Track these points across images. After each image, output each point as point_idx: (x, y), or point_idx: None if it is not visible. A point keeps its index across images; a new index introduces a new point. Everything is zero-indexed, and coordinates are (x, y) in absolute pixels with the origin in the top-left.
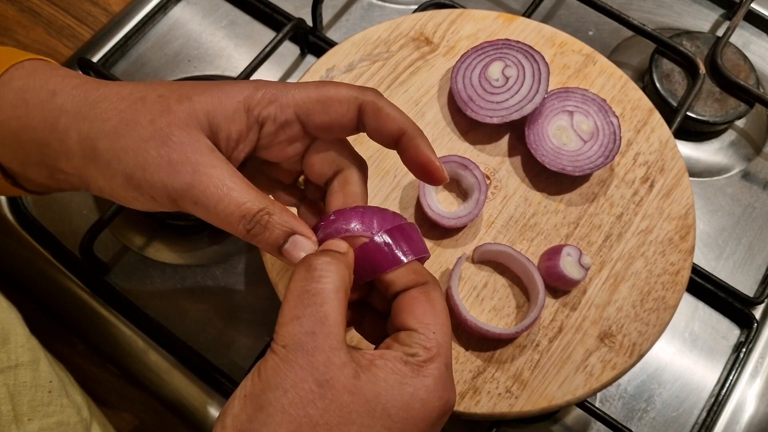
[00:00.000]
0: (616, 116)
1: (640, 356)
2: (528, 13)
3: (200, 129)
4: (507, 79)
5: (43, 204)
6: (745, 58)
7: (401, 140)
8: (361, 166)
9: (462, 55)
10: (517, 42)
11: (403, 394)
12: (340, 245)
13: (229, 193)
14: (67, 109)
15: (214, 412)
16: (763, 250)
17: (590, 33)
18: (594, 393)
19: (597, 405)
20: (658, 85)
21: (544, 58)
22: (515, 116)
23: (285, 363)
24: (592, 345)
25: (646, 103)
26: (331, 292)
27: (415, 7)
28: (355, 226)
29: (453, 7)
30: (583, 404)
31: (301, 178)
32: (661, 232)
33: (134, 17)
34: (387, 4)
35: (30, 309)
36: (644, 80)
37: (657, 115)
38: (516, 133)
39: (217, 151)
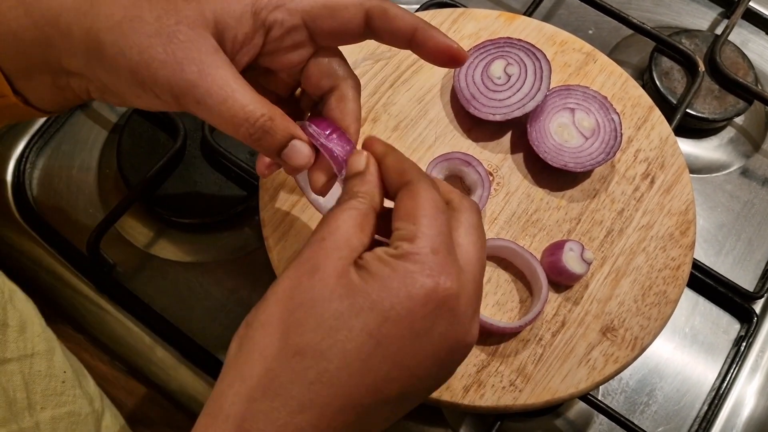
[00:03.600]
0: (617, 113)
1: (642, 350)
2: (529, 12)
3: (207, 29)
4: (509, 77)
5: (49, 202)
6: (744, 56)
7: (415, 37)
8: (356, 83)
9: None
10: (519, 40)
11: (385, 282)
12: (359, 164)
13: (233, 94)
14: (67, 6)
15: None
16: (763, 246)
17: (590, 32)
18: (597, 386)
19: (600, 398)
20: (657, 82)
21: (545, 56)
22: (517, 113)
23: (295, 259)
24: (595, 339)
25: (647, 100)
26: (346, 211)
27: (417, 6)
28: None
29: (455, 6)
30: (586, 397)
31: (298, 92)
32: (661, 227)
33: None
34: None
35: (37, 306)
36: (644, 78)
37: (657, 112)
38: (518, 131)
39: (222, 53)
